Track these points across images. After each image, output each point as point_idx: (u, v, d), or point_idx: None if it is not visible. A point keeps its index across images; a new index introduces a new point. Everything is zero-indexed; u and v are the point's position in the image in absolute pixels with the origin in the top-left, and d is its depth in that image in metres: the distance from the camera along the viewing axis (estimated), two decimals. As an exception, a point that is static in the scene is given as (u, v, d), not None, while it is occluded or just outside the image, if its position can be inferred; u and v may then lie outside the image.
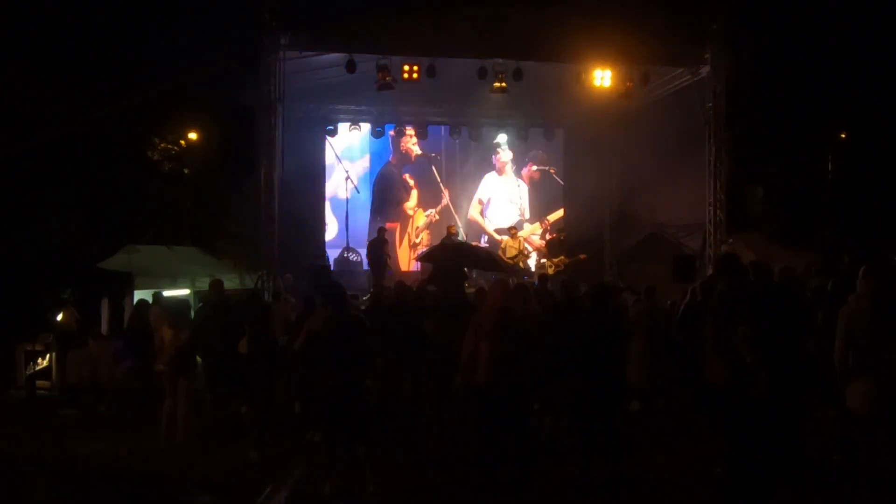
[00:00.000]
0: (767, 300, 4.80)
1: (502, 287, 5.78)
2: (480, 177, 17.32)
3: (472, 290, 8.74)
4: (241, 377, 7.96)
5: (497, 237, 16.33)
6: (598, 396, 5.66)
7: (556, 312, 7.46)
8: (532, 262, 15.53)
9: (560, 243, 14.92)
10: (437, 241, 14.81)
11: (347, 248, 16.19)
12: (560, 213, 17.31)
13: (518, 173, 17.46)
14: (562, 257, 14.46)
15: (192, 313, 7.53)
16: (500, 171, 17.40)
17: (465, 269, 12.54)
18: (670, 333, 8.68)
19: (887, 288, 4.70)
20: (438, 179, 16.39)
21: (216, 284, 7.72)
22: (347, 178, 16.07)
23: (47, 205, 16.34)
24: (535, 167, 17.31)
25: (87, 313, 9.39)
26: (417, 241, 16.65)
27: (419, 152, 16.71)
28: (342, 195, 16.26)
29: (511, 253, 14.66)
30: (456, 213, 16.79)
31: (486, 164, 17.37)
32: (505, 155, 17.24)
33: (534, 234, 17.02)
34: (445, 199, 16.75)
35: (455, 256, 11.92)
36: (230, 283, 13.17)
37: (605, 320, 5.74)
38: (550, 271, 14.11)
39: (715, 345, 4.96)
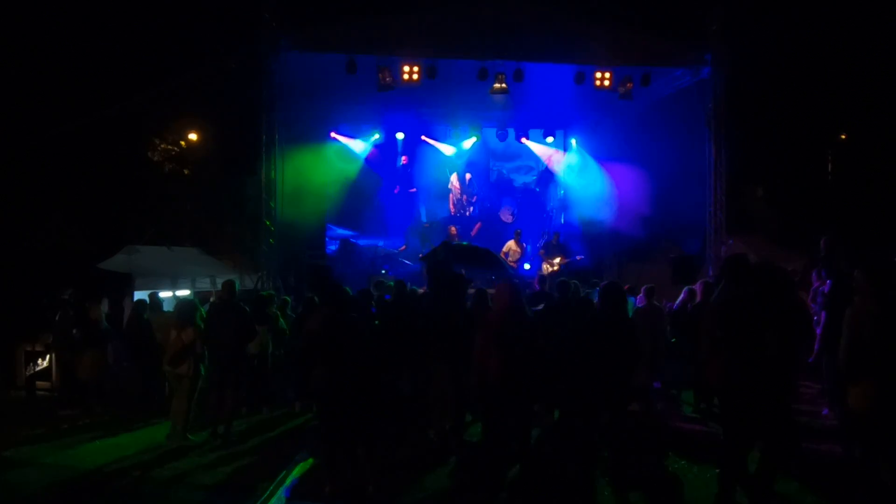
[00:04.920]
0: (762, 305, 4.80)
1: (508, 289, 5.78)
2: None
3: (471, 292, 8.71)
4: (250, 377, 8.03)
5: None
6: (604, 398, 5.66)
7: (553, 313, 7.44)
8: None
9: (557, 245, 14.99)
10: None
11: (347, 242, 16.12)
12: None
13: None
14: (559, 258, 14.52)
15: (198, 314, 7.51)
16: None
17: (465, 270, 12.56)
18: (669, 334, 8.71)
19: (891, 289, 4.70)
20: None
21: (228, 285, 7.74)
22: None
23: (47, 205, 16.36)
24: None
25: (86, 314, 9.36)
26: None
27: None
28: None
29: (513, 257, 14.70)
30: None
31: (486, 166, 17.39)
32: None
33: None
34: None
35: (454, 257, 11.90)
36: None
37: (617, 322, 5.71)
38: (545, 272, 14.16)
39: (711, 346, 4.97)
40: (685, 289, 8.64)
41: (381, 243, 15.94)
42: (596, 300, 6.70)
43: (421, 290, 9.24)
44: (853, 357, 4.67)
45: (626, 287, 9.65)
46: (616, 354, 5.57)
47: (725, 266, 5.19)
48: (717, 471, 5.10)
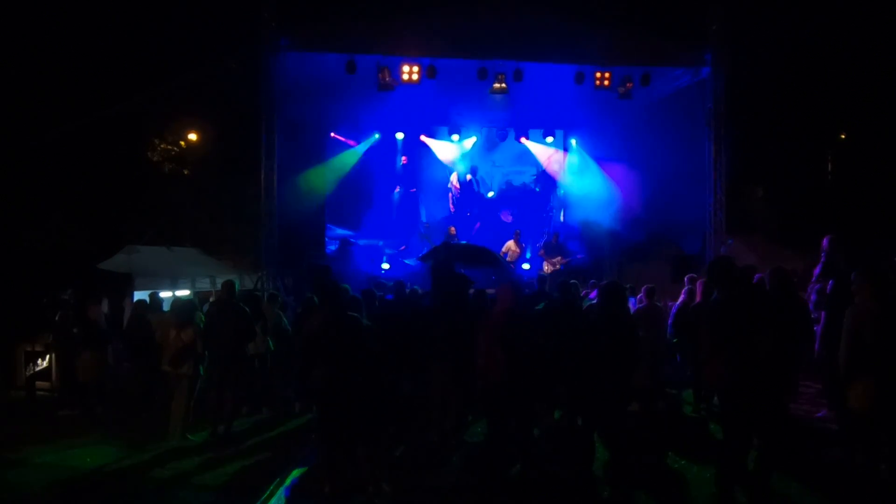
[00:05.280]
0: (762, 306, 4.82)
1: (511, 289, 5.78)
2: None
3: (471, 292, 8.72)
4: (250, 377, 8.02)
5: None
6: (604, 398, 5.67)
7: (554, 313, 7.44)
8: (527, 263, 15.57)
9: (557, 245, 15.01)
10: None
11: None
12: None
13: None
14: (559, 258, 14.54)
15: (197, 314, 7.51)
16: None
17: (464, 269, 12.60)
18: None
19: (890, 288, 4.71)
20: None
21: (228, 285, 7.74)
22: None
23: (47, 205, 16.35)
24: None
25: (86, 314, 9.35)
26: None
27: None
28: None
29: (512, 257, 14.69)
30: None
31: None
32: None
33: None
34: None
35: (455, 257, 11.91)
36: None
37: (618, 321, 5.71)
38: (547, 270, 14.17)
39: (711, 346, 4.99)
40: (685, 289, 8.64)
41: (381, 243, 15.96)
42: (594, 300, 6.71)
43: (418, 290, 9.23)
44: (853, 357, 4.68)
45: (628, 287, 9.68)
46: (616, 354, 5.58)
47: (709, 271, 5.20)
48: (715, 470, 5.11)
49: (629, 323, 5.88)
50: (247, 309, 7.70)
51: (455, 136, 16.54)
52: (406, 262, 15.07)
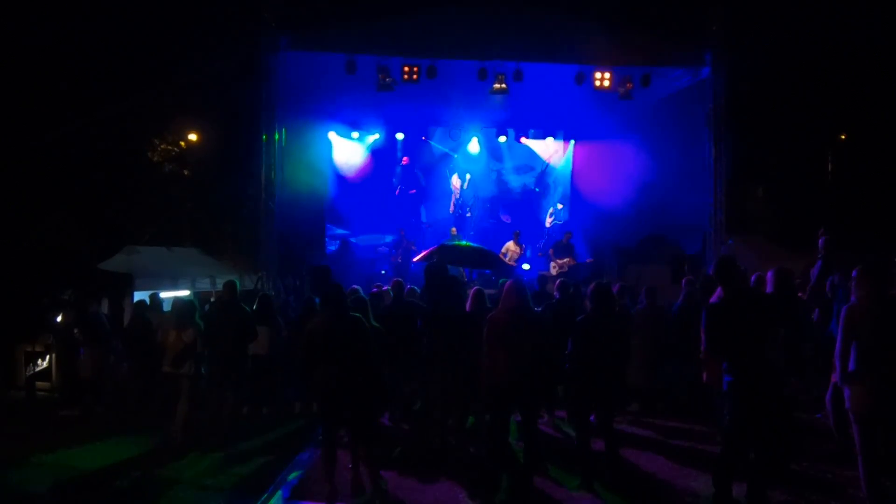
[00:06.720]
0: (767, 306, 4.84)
1: (515, 289, 5.78)
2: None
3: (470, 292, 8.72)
4: (251, 378, 8.01)
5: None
6: (598, 398, 5.70)
7: (554, 313, 7.45)
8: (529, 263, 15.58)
9: (567, 245, 15.00)
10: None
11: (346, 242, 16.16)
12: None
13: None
14: (568, 259, 14.54)
15: (198, 314, 7.51)
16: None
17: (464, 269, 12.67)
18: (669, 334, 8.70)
19: (887, 288, 4.71)
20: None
21: (230, 285, 7.74)
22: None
23: (47, 205, 16.34)
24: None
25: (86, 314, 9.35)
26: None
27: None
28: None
29: (512, 257, 14.68)
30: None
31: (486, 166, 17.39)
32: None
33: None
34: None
35: (452, 257, 11.91)
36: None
37: (607, 321, 5.75)
38: (554, 272, 14.15)
39: (711, 346, 4.99)
40: (683, 290, 8.62)
41: (380, 244, 15.96)
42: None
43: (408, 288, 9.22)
44: (851, 357, 4.67)
45: (626, 287, 9.65)
46: (606, 355, 5.60)
47: (717, 269, 5.18)
48: (714, 470, 5.11)
49: (617, 324, 5.90)
50: (248, 309, 7.69)
51: (454, 137, 16.56)
52: (399, 261, 15.07)
